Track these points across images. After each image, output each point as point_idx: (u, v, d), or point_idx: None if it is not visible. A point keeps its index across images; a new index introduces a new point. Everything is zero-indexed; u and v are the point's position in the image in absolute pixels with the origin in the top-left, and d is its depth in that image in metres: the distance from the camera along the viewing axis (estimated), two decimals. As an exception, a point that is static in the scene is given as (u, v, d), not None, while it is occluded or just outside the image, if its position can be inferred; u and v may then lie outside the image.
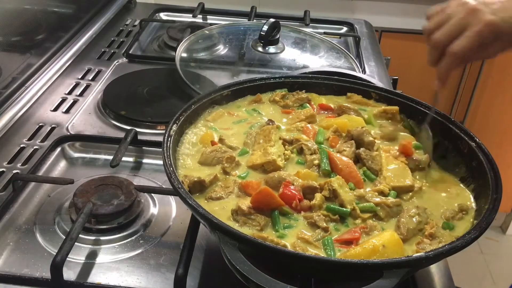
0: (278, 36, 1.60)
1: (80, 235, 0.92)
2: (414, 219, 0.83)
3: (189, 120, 1.02)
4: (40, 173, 1.13)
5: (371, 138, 0.99)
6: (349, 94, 1.15)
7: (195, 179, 0.87)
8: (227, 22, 1.82)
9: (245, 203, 0.83)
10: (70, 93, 1.46)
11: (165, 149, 0.89)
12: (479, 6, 0.90)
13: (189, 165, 0.94)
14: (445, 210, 0.87)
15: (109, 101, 1.39)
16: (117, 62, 1.64)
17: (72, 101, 1.42)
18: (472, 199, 0.90)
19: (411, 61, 2.55)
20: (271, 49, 1.61)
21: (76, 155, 1.22)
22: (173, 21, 1.94)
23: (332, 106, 1.12)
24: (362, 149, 0.97)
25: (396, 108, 1.09)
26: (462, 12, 0.92)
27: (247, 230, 0.80)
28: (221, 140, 0.99)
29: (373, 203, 0.86)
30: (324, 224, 0.82)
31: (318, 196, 0.85)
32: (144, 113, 1.35)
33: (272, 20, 1.58)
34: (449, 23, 0.93)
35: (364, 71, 1.60)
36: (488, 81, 2.69)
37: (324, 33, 1.86)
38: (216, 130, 1.03)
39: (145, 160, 1.21)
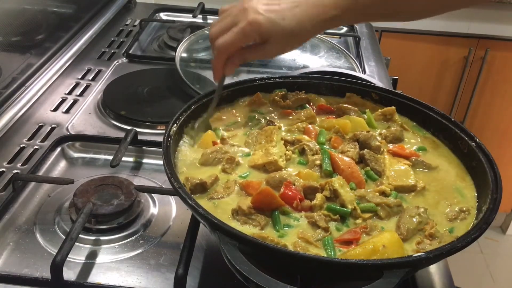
0: (278, 36, 1.60)
1: (80, 235, 0.92)
2: (414, 219, 0.83)
3: (189, 120, 1.02)
4: (40, 173, 1.13)
5: (378, 143, 0.99)
6: (348, 94, 1.15)
7: (197, 181, 0.87)
8: (227, 22, 1.82)
9: (246, 203, 0.83)
10: (70, 93, 1.46)
11: (165, 149, 0.88)
12: (248, 5, 0.94)
13: (190, 166, 0.94)
14: (448, 211, 0.87)
15: (109, 101, 1.39)
16: (117, 62, 1.64)
17: (72, 101, 1.42)
18: (475, 199, 0.90)
19: (411, 61, 2.56)
20: (271, 49, 1.60)
21: (76, 155, 1.22)
22: (173, 21, 1.94)
23: (331, 106, 1.12)
24: (366, 150, 0.97)
25: (393, 108, 1.09)
26: (235, 10, 0.97)
27: (247, 230, 0.80)
28: (223, 141, 0.99)
29: (373, 203, 0.86)
30: (325, 224, 0.82)
31: (319, 196, 0.85)
32: (144, 113, 1.35)
33: (272, 20, 1.58)
34: (223, 20, 0.98)
35: (364, 71, 1.60)
36: (488, 81, 2.69)
37: (324, 33, 1.86)
38: (216, 130, 1.03)
39: (145, 160, 1.21)
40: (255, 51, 0.98)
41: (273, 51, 0.99)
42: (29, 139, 1.25)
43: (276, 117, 1.09)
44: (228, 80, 1.06)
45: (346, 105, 1.12)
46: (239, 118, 1.08)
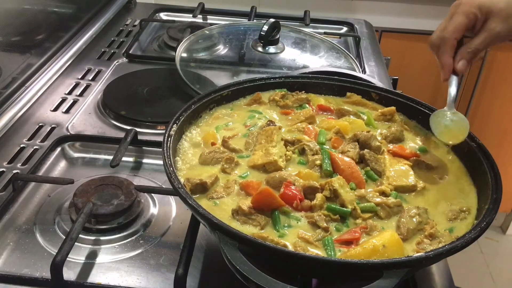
0: (278, 36, 1.60)
1: (80, 235, 0.92)
2: (414, 219, 0.83)
3: (189, 120, 1.02)
4: (40, 173, 1.13)
5: (378, 143, 0.99)
6: (348, 94, 1.15)
7: (197, 181, 0.87)
8: (227, 22, 1.82)
9: (246, 203, 0.83)
10: (70, 93, 1.46)
11: (165, 149, 0.89)
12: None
13: (189, 166, 0.94)
14: (448, 211, 0.87)
15: (109, 101, 1.39)
16: (117, 62, 1.64)
17: (72, 101, 1.42)
18: (475, 199, 0.90)
19: (411, 61, 2.55)
20: (271, 49, 1.61)
21: (76, 155, 1.22)
22: (173, 21, 1.94)
23: (331, 107, 1.12)
24: (366, 150, 0.97)
25: (393, 108, 1.09)
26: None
27: (247, 230, 0.80)
28: (224, 142, 0.99)
29: (373, 203, 0.86)
30: (325, 224, 0.82)
31: (319, 196, 0.85)
32: (144, 113, 1.35)
33: (272, 20, 1.58)
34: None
35: (364, 71, 1.60)
36: (488, 81, 2.69)
37: (324, 33, 1.86)
38: (216, 130, 1.03)
39: (145, 160, 1.21)
40: (480, 34, 0.96)
41: (497, 28, 0.95)
42: (29, 139, 1.25)
43: (276, 117, 1.09)
44: (228, 80, 1.06)
45: (345, 107, 1.11)
46: (239, 118, 1.08)
